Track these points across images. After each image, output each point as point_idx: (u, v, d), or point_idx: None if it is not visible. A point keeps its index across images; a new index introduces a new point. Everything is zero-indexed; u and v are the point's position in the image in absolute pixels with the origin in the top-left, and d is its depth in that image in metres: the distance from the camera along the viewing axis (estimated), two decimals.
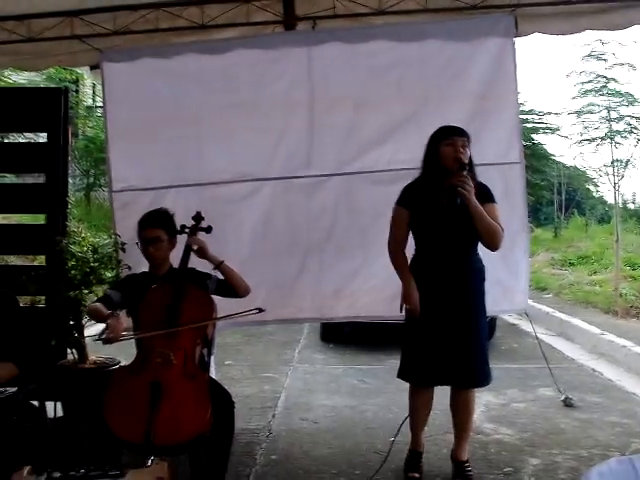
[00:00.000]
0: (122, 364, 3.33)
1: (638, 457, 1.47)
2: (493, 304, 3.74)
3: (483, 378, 3.16)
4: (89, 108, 14.49)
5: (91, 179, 13.59)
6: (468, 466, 3.18)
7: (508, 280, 3.91)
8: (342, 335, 6.37)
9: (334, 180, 3.96)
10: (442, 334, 3.05)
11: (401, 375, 3.21)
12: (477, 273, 3.14)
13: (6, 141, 8.77)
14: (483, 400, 4.37)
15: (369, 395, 4.66)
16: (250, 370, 5.47)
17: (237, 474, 3.23)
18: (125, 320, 2.85)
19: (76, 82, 14.05)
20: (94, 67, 4.26)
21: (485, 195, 3.08)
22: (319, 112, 3.94)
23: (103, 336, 2.68)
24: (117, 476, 2.19)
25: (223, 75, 3.97)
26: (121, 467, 2.23)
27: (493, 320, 6.25)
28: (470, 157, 3.09)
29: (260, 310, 2.89)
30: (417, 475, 3.21)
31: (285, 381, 5.14)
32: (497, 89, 3.89)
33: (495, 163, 3.84)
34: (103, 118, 4.19)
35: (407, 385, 3.25)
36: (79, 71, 13.18)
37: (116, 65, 4.00)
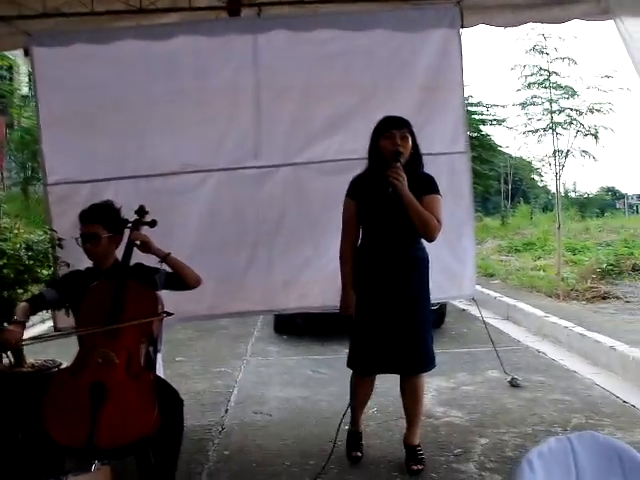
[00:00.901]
0: (63, 366, 3.18)
1: (576, 436, 1.51)
2: (441, 291, 3.80)
3: (427, 363, 3.21)
4: (24, 97, 13.89)
5: (28, 172, 13.06)
6: (420, 450, 3.24)
7: (456, 267, 3.97)
8: (295, 326, 6.35)
9: (282, 171, 3.89)
10: (385, 323, 3.09)
11: (350, 364, 3.25)
12: (419, 262, 3.18)
13: None
14: (434, 385, 4.45)
15: (323, 385, 4.66)
16: (202, 366, 5.38)
17: (189, 472, 3.16)
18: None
19: (10, 69, 13.47)
20: (26, 53, 4.04)
21: (426, 186, 3.12)
22: (266, 101, 3.85)
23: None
24: None
25: (165, 62, 3.82)
26: (60, 474, 2.12)
27: (443, 307, 6.37)
28: (416, 147, 3.13)
29: (169, 314, 2.84)
30: (359, 454, 3.30)
31: (238, 375, 5.07)
32: (443, 80, 3.90)
33: (441, 153, 3.87)
34: (35, 106, 3.98)
35: None
36: (12, 57, 12.61)
37: (48, 50, 3.79)
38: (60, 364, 3.50)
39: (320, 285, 3.92)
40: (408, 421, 3.29)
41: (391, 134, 3.06)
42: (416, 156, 3.14)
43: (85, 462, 2.33)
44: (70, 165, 3.81)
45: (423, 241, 3.16)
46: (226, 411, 4.16)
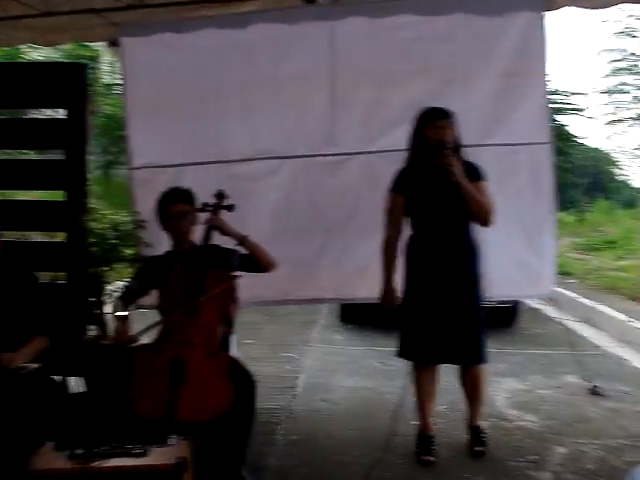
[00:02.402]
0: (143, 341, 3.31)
1: None
2: (517, 288, 3.70)
3: (482, 355, 3.17)
4: (107, 85, 14.46)
5: (110, 157, 13.61)
6: (483, 433, 3.23)
7: (534, 264, 3.80)
8: (361, 316, 6.30)
9: (357, 158, 3.87)
10: (444, 312, 3.10)
11: (403, 354, 3.24)
12: (475, 249, 3.18)
13: (25, 117, 8.78)
14: (505, 385, 4.34)
15: (390, 377, 4.61)
16: (270, 349, 5.45)
17: (259, 454, 3.22)
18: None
19: (94, 59, 14.02)
20: (113, 44, 4.20)
21: (474, 173, 3.12)
22: (341, 89, 3.84)
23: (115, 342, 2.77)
24: (140, 454, 2.17)
25: (243, 50, 3.88)
26: (144, 445, 2.21)
27: (516, 305, 6.16)
28: (458, 137, 3.14)
29: None
30: (431, 458, 3.18)
31: (305, 361, 5.12)
32: (525, 66, 3.76)
33: (522, 143, 3.74)
34: (123, 94, 4.14)
35: None
36: (97, 48, 13.14)
37: (135, 40, 3.93)
38: (139, 338, 3.62)
39: None
40: (470, 405, 3.29)
41: (437, 124, 3.08)
42: (457, 146, 3.14)
43: (162, 435, 2.40)
44: (153, 150, 3.94)
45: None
46: (293, 396, 4.22)
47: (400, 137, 3.81)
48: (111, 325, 3.25)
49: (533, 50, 3.76)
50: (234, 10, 4.02)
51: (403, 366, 4.71)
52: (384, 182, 3.83)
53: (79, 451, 2.15)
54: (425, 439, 3.25)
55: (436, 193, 3.09)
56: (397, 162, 3.80)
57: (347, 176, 3.89)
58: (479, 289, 3.18)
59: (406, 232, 3.29)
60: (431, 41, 3.80)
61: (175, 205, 3.10)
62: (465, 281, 3.13)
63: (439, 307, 3.11)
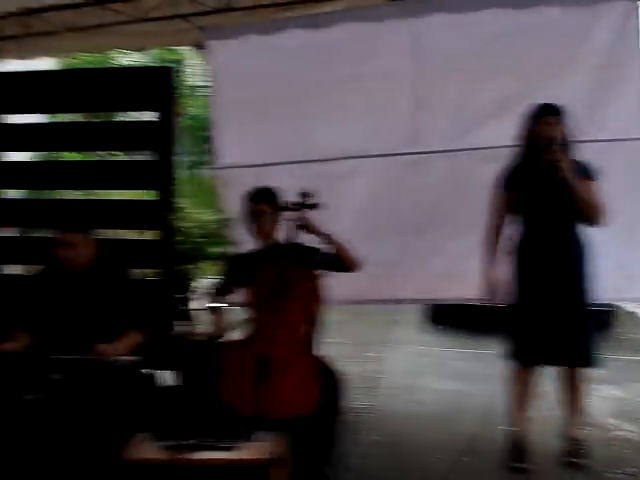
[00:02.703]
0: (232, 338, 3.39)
1: None
2: (616, 291, 3.52)
3: (592, 359, 3.06)
4: (192, 87, 14.90)
5: (195, 157, 14.02)
6: (581, 444, 3.10)
7: (633, 266, 3.61)
8: (448, 316, 6.21)
9: (440, 157, 3.82)
10: (554, 311, 3.03)
11: (509, 355, 3.15)
12: (585, 248, 3.09)
13: (117, 120, 9.14)
14: (604, 393, 4.13)
15: (478, 380, 4.51)
16: (353, 349, 5.44)
17: (342, 453, 3.22)
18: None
19: (179, 62, 14.46)
20: (199, 47, 4.33)
21: (583, 171, 3.04)
22: (425, 87, 3.79)
23: (212, 334, 2.82)
24: (229, 448, 2.21)
25: (326, 50, 3.90)
26: (234, 439, 2.25)
27: (613, 309, 5.85)
28: (568, 134, 3.06)
29: None
30: (524, 466, 3.07)
31: (390, 361, 5.09)
32: (619, 57, 3.59)
33: (616, 139, 3.59)
34: (209, 96, 4.24)
35: None
36: (182, 51, 13.55)
37: (221, 43, 4.03)
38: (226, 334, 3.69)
39: (478, 277, 3.81)
40: (568, 412, 3.17)
41: (546, 120, 3.03)
42: (565, 143, 3.05)
43: (251, 430, 2.44)
44: (239, 150, 4.03)
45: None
46: (377, 396, 4.19)
47: (486, 135, 3.75)
48: (203, 319, 3.34)
49: (627, 42, 3.58)
50: (318, 10, 4.05)
51: (491, 369, 4.62)
52: (468, 182, 3.79)
53: (172, 442, 2.20)
54: (518, 445, 3.14)
55: (546, 191, 3.04)
56: (482, 161, 3.73)
57: (431, 175, 3.83)
58: (589, 289, 3.09)
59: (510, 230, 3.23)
60: (518, 35, 3.68)
61: (258, 204, 3.15)
62: (575, 281, 3.05)
63: (549, 307, 3.04)
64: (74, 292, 2.97)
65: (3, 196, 4.45)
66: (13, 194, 5.06)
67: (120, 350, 2.76)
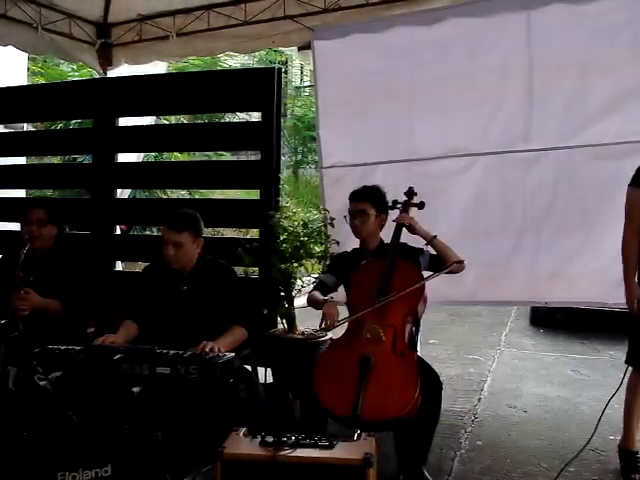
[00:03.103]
0: (331, 337, 3.40)
1: None
2: None
3: None
4: (297, 88, 15.19)
5: (299, 157, 14.27)
6: None
7: None
8: (553, 320, 5.98)
9: (554, 154, 3.63)
10: None
11: (630, 360, 2.94)
12: None
13: (223, 121, 9.47)
14: None
15: (584, 387, 4.32)
16: (455, 351, 5.36)
17: (441, 456, 3.19)
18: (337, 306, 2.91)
19: (285, 63, 14.75)
20: (302, 48, 4.38)
21: None
22: (539, 81, 3.63)
23: (322, 326, 2.78)
24: (326, 447, 2.20)
25: (434, 47, 3.83)
26: (330, 438, 2.25)
27: None
28: None
29: None
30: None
31: (491, 365, 4.96)
32: None
33: None
34: (314, 96, 4.29)
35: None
36: (288, 52, 13.84)
37: (327, 43, 4.06)
38: (324, 334, 3.71)
39: (588, 279, 3.60)
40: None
41: None
42: None
43: (346, 430, 2.44)
44: (343, 149, 4.06)
45: None
46: (479, 400, 4.10)
47: (603, 131, 3.55)
48: (304, 317, 3.35)
49: None
50: (425, 7, 3.99)
51: (598, 375, 4.42)
52: (583, 180, 3.60)
53: (269, 439, 2.22)
54: (629, 455, 2.98)
55: None
56: (598, 158, 3.54)
57: (542, 173, 3.67)
58: None
59: None
60: (638, 25, 3.45)
61: (354, 203, 3.15)
62: None
63: None
64: (181, 288, 3.06)
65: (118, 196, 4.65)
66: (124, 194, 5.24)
67: (223, 346, 2.81)
